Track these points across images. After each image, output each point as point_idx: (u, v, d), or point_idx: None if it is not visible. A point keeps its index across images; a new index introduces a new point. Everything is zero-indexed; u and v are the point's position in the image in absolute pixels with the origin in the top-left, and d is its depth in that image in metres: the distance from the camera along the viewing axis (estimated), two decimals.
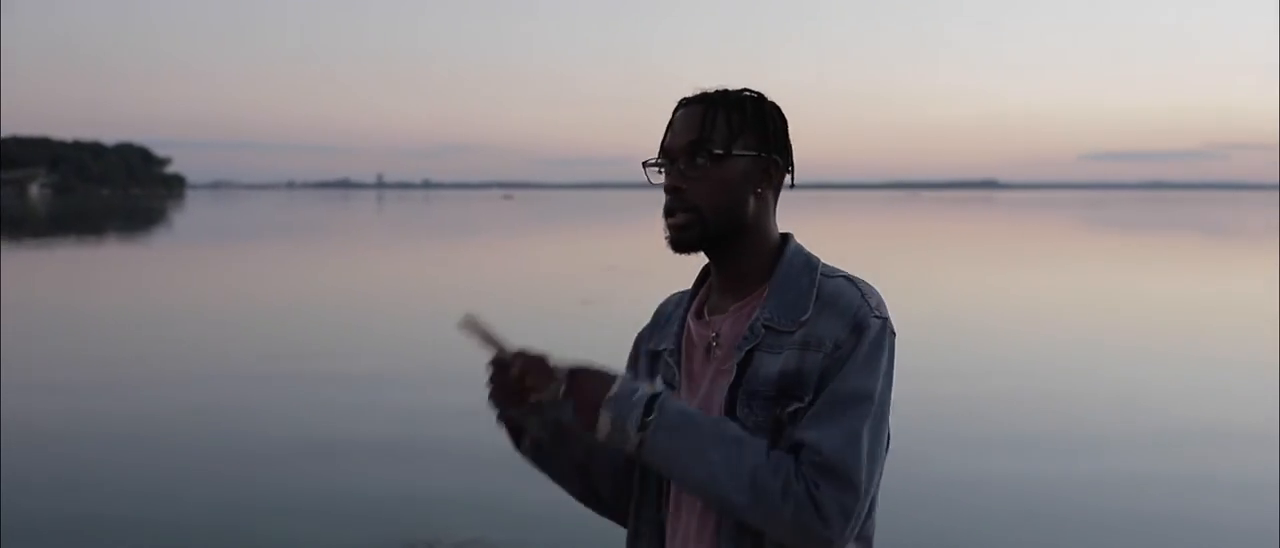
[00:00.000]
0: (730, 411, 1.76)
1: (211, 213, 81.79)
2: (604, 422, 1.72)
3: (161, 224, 59.58)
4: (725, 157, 1.79)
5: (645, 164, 1.87)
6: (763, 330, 1.77)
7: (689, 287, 1.97)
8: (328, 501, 6.98)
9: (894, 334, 1.79)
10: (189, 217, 73.55)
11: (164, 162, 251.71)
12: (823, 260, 1.86)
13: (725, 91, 1.84)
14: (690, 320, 1.91)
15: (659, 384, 1.81)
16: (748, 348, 1.77)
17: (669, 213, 1.83)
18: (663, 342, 1.94)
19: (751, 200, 1.83)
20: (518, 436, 1.90)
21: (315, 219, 67.29)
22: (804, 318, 1.76)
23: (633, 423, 1.71)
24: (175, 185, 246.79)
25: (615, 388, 1.74)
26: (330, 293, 20.56)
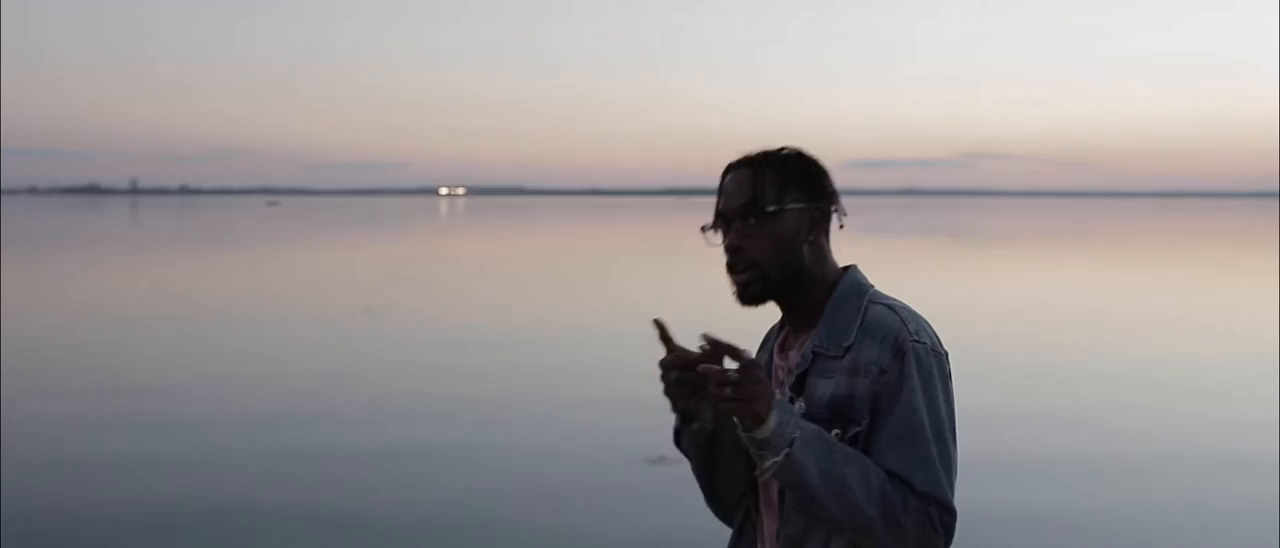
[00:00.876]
0: None
1: None
2: (770, 423, 1.78)
3: None
4: (778, 212, 1.94)
5: (703, 230, 2.03)
6: (812, 356, 1.92)
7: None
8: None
9: (941, 356, 1.91)
10: None
11: None
12: (875, 289, 1.99)
13: (767, 153, 1.99)
14: (775, 356, 2.06)
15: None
16: (799, 373, 1.93)
17: (732, 270, 1.97)
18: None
19: (806, 249, 1.97)
20: (685, 423, 1.99)
21: (61, 227, 63.10)
22: (847, 344, 1.90)
23: (789, 431, 1.79)
24: None
25: (778, 396, 1.82)
26: (83, 308, 19.16)
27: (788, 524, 1.95)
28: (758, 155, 1.99)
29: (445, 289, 22.25)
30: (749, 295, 1.97)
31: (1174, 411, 9.74)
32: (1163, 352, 13.33)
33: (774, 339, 2.09)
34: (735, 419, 1.82)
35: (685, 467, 6.96)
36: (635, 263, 31.64)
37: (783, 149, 2.00)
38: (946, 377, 1.91)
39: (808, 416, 1.86)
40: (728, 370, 1.78)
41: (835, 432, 1.85)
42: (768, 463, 1.80)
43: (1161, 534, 6.35)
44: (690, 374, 1.86)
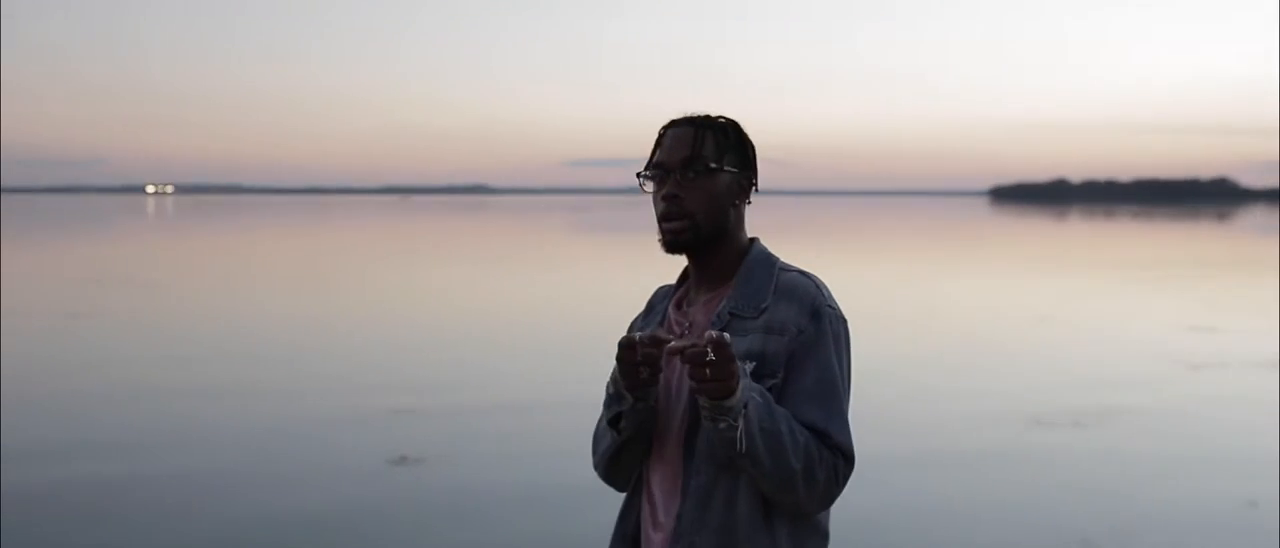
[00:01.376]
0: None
1: None
2: (738, 394, 1.90)
3: None
4: (716, 171, 2.08)
5: (639, 175, 2.13)
6: (728, 317, 2.05)
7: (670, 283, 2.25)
8: None
9: (846, 322, 2.09)
10: None
11: None
12: (781, 259, 2.14)
13: (708, 116, 2.13)
14: (671, 311, 2.18)
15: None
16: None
17: (666, 218, 2.09)
18: (648, 328, 2.20)
19: (732, 211, 2.12)
20: (637, 400, 2.07)
21: None
22: (763, 305, 2.04)
23: (746, 395, 1.91)
24: None
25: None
26: None
27: (697, 474, 2.04)
28: (699, 117, 2.12)
29: (161, 293, 21.02)
30: (678, 243, 2.09)
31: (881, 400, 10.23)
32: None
33: (667, 299, 2.22)
34: (702, 398, 1.91)
35: (429, 466, 6.87)
36: (360, 264, 30.87)
37: (720, 116, 2.14)
38: (849, 341, 2.09)
39: None
40: (705, 350, 1.86)
41: None
42: (722, 426, 1.91)
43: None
44: (657, 352, 1.98)
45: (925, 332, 15.25)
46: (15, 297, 20.10)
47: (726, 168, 2.09)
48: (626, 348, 2.02)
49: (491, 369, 11.85)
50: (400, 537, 6.15)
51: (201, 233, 51.50)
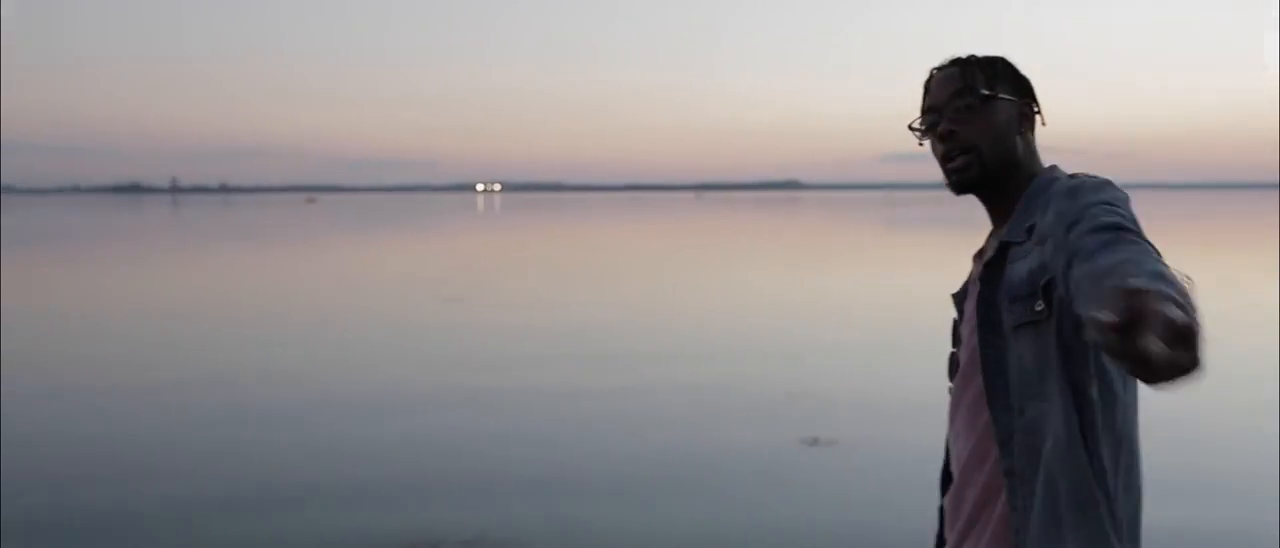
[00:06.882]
0: (985, 323, 1.82)
1: None
2: None
3: None
4: (991, 99, 1.90)
5: (910, 127, 1.98)
6: (998, 247, 1.86)
7: None
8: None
9: (1111, 183, 1.74)
10: None
11: None
12: (1079, 175, 1.83)
13: (972, 55, 1.96)
14: (973, 262, 2.02)
15: None
16: (986, 263, 1.87)
17: (948, 158, 1.92)
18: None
19: (1019, 142, 1.93)
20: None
21: (109, 227, 63.47)
22: (1030, 225, 1.80)
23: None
24: None
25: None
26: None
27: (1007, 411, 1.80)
28: (963, 57, 1.96)
29: (519, 280, 22.16)
30: (965, 181, 1.92)
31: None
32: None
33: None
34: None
35: (840, 448, 6.56)
36: (696, 257, 31.39)
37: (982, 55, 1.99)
38: (1123, 198, 1.69)
39: (1011, 296, 1.77)
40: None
41: (1039, 306, 1.71)
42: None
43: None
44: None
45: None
46: (395, 284, 21.71)
47: (1002, 95, 1.91)
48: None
49: (883, 357, 11.71)
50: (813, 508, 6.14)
51: (532, 228, 54.00)
